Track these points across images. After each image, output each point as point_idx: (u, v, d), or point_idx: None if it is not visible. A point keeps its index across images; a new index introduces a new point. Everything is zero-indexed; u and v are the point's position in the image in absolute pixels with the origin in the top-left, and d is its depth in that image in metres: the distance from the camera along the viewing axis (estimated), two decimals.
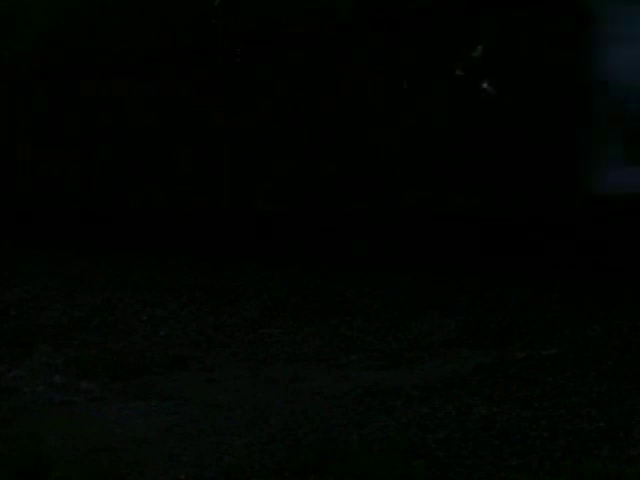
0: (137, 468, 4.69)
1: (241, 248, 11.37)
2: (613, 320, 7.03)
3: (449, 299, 8.27)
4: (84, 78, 13.34)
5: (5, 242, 14.21)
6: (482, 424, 5.01)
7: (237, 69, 11.58)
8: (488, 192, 9.03)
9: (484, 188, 9.04)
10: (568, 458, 4.41)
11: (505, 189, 8.98)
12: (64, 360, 7.12)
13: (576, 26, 8.44)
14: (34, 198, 14.19)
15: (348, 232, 10.34)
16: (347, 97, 10.37)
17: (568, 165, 8.50)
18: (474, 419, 5.11)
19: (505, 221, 9.02)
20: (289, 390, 6.09)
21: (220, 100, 11.68)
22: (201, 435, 5.20)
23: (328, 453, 4.62)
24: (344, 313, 8.19)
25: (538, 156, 8.74)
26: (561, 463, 4.36)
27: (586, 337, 6.69)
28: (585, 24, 8.36)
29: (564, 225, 8.65)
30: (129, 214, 12.83)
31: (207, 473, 4.61)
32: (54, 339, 7.94)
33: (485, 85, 9.17)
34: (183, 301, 9.23)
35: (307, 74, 10.83)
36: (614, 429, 4.78)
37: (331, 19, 10.68)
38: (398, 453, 4.53)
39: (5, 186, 14.67)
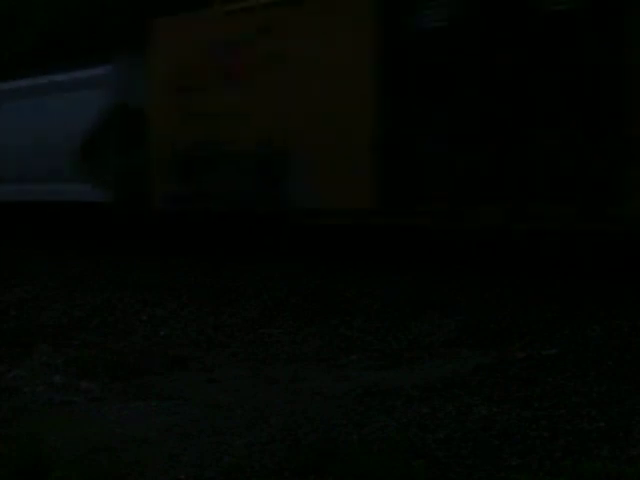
0: (137, 468, 4.69)
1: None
2: (613, 320, 7.02)
3: (449, 299, 8.26)
4: None
5: (5, 242, 14.22)
6: (482, 424, 5.01)
7: None
8: None
9: None
10: (568, 458, 4.41)
11: None
12: (64, 360, 7.12)
13: None
14: None
15: None
16: None
17: None
18: (474, 419, 5.11)
19: None
20: (289, 390, 6.09)
21: None
22: (201, 435, 5.20)
23: (328, 453, 4.61)
24: (344, 313, 8.18)
25: None
26: (561, 463, 4.36)
27: (586, 337, 6.68)
28: None
29: None
30: None
31: (207, 473, 4.61)
32: (54, 339, 7.94)
33: None
34: (183, 301, 9.22)
35: None
36: (614, 429, 4.77)
37: None
38: (398, 453, 4.53)
39: None
